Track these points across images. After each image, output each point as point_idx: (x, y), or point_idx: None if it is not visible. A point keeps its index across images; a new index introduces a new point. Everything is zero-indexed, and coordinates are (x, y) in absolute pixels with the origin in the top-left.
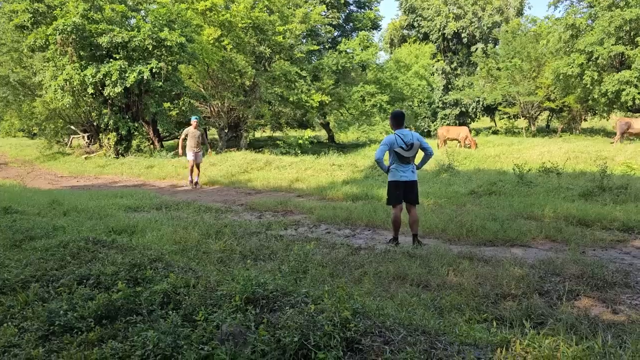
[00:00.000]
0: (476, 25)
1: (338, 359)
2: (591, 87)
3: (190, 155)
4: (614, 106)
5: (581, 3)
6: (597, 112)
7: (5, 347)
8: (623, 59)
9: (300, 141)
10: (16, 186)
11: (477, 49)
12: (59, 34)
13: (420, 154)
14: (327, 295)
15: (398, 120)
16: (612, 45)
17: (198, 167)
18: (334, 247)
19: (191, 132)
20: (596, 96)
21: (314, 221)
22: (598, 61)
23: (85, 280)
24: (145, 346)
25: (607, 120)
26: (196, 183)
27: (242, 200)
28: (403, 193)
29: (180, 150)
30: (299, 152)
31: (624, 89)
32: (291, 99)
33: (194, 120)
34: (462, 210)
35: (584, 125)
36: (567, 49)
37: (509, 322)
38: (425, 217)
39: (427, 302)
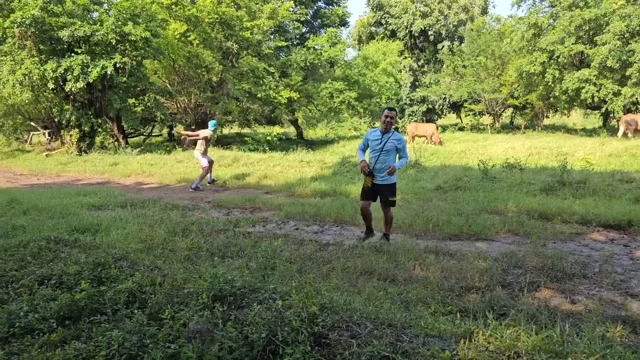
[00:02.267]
0: (442, 23)
1: (306, 353)
2: (552, 85)
3: (204, 161)
4: (574, 103)
5: (543, 3)
6: (558, 109)
7: None
8: (583, 57)
9: (268, 138)
10: None
11: (443, 46)
12: (17, 27)
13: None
14: (294, 291)
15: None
16: (573, 44)
17: (211, 165)
18: (302, 244)
19: (209, 136)
20: (557, 94)
21: (283, 218)
22: (559, 60)
23: (46, 281)
24: (110, 346)
25: (568, 117)
26: (212, 181)
27: (209, 198)
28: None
29: (185, 139)
30: (267, 148)
31: (583, 87)
32: (259, 95)
33: (213, 127)
34: (428, 205)
35: (546, 122)
36: (530, 48)
37: (473, 313)
38: (394, 213)
39: (394, 296)
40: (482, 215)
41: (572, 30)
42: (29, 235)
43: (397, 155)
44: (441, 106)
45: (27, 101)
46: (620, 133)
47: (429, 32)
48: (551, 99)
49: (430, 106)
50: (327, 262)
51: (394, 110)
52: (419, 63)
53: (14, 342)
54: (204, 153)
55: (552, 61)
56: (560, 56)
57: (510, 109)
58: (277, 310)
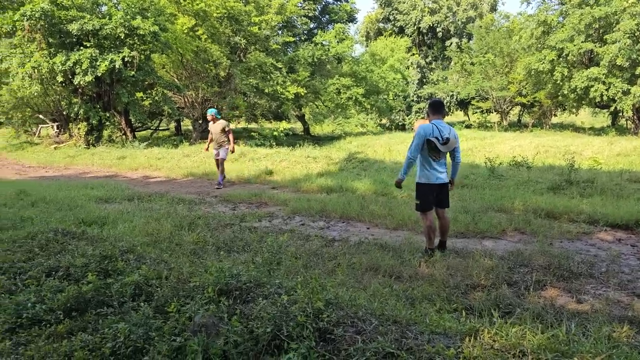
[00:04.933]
0: (451, 20)
1: (310, 349)
2: (561, 83)
3: (214, 153)
4: (583, 102)
5: (553, 0)
6: (566, 107)
7: None
8: (592, 56)
9: (275, 133)
10: None
11: (451, 43)
12: (27, 20)
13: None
14: (300, 286)
15: (436, 108)
16: (582, 42)
17: (218, 165)
18: (308, 239)
19: (210, 127)
20: (566, 92)
21: (289, 213)
22: (568, 58)
23: (54, 272)
24: (116, 338)
25: (576, 115)
26: (218, 183)
27: (216, 192)
28: (435, 196)
29: (206, 147)
30: (274, 144)
31: (592, 85)
32: (266, 90)
33: (209, 114)
34: None
35: (554, 120)
36: (539, 45)
37: (478, 311)
38: (399, 210)
39: (399, 293)
40: (489, 213)
41: (582, 28)
42: (37, 227)
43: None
44: (448, 103)
45: (36, 94)
46: None
47: (437, 29)
48: (559, 97)
49: None
50: (332, 258)
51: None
52: (427, 60)
53: (21, 332)
54: (212, 144)
55: (561, 59)
56: (570, 54)
57: (518, 107)
58: (283, 305)
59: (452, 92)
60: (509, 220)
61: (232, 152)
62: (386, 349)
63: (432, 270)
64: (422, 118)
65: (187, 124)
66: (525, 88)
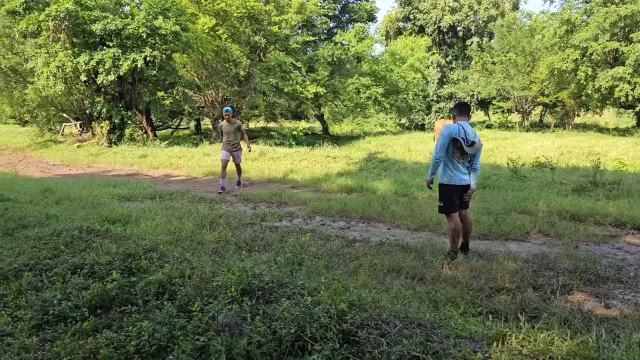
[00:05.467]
0: (472, 19)
1: (334, 351)
2: (585, 83)
3: (223, 154)
4: (607, 102)
5: None
6: (590, 107)
7: None
8: (617, 55)
9: (294, 132)
10: (7, 174)
11: (472, 42)
12: (52, 20)
13: None
14: (323, 287)
15: (462, 110)
16: (607, 41)
17: (238, 167)
18: (328, 239)
19: (224, 126)
20: (590, 92)
21: (309, 213)
22: (592, 57)
23: (79, 270)
24: (140, 336)
25: (600, 115)
26: (238, 182)
27: (236, 191)
28: (460, 197)
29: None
30: (294, 143)
31: (617, 85)
32: (286, 89)
33: (225, 112)
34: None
35: (577, 120)
36: (562, 44)
37: (504, 315)
38: (420, 211)
39: (422, 295)
40: (512, 214)
41: (607, 27)
42: (62, 225)
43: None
44: (469, 103)
45: (60, 93)
46: None
47: (458, 28)
48: (583, 97)
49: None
50: (354, 258)
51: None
52: (447, 59)
53: (47, 329)
54: (223, 145)
55: (585, 58)
56: (594, 53)
57: (540, 107)
58: (306, 306)
59: (473, 91)
60: (532, 222)
61: (250, 151)
62: (411, 353)
63: (455, 273)
64: (442, 118)
65: (206, 123)
66: (548, 88)
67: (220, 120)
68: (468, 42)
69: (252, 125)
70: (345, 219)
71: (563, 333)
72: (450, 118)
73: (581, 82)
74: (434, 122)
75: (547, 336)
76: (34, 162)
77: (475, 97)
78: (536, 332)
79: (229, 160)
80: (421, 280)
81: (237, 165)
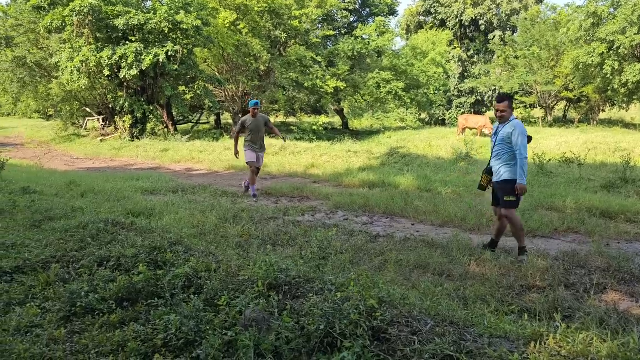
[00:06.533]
0: (494, 13)
1: (365, 348)
2: (611, 77)
3: (249, 155)
4: (634, 97)
5: None
6: (616, 102)
7: (28, 327)
8: None
9: (314, 127)
10: (33, 167)
11: (494, 36)
12: (76, 16)
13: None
14: (352, 283)
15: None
16: (635, 34)
17: (256, 173)
18: (352, 234)
19: (248, 122)
20: (616, 86)
21: (331, 207)
22: (619, 51)
23: (105, 262)
24: (167, 330)
25: (626, 111)
26: (254, 195)
27: (257, 185)
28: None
29: (235, 149)
30: (314, 138)
31: None
32: (306, 84)
33: (252, 106)
34: (481, 199)
35: (602, 115)
36: (588, 38)
37: (537, 314)
38: (444, 206)
39: (451, 292)
40: (539, 211)
41: (635, 20)
42: (88, 217)
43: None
44: (490, 98)
45: (83, 87)
46: None
47: (480, 22)
48: (609, 92)
49: (479, 98)
50: (379, 254)
51: (503, 99)
52: (469, 53)
53: (75, 320)
54: (249, 144)
55: (611, 52)
56: (621, 47)
57: (564, 102)
58: (335, 302)
59: (495, 86)
60: (561, 219)
61: (285, 141)
62: (445, 351)
63: (484, 270)
64: (463, 113)
65: (226, 118)
66: (572, 82)
67: (240, 115)
68: (490, 36)
69: (272, 119)
70: (368, 214)
71: (602, 334)
72: (470, 113)
73: (607, 76)
74: (456, 117)
75: (585, 337)
76: (58, 156)
77: (497, 91)
78: (574, 333)
79: (258, 166)
80: (449, 277)
81: (258, 169)
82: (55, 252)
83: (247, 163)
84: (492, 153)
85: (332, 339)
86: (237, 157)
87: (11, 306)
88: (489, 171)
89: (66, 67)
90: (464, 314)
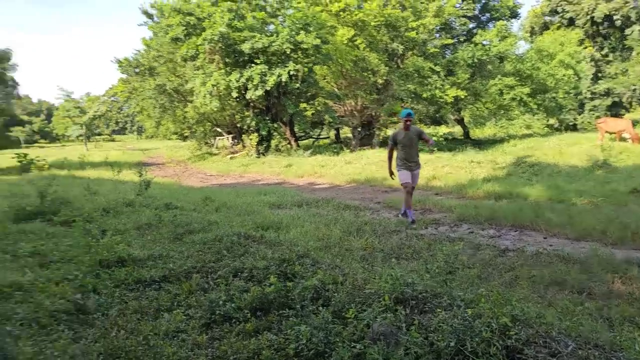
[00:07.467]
0: (631, 6)
1: None
2: None
3: (403, 175)
4: None
5: None
6: None
7: (174, 332)
8: None
9: (434, 138)
10: (173, 184)
11: (632, 31)
12: (208, 44)
13: None
14: (483, 299)
15: None
16: None
17: (410, 193)
18: (478, 248)
19: (400, 136)
20: None
21: (455, 220)
22: None
23: (239, 273)
24: (298, 340)
25: None
26: (412, 221)
27: (378, 198)
28: None
29: (388, 169)
30: (435, 149)
31: None
32: (424, 95)
33: (405, 116)
34: (623, 210)
35: None
36: None
37: None
38: (580, 218)
39: (593, 312)
40: None
41: None
42: (222, 230)
43: None
44: (630, 99)
45: (215, 109)
46: None
47: (615, 17)
48: None
49: (616, 99)
50: (509, 269)
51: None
52: (602, 52)
53: (215, 327)
54: (403, 161)
55: None
56: None
57: None
58: (465, 318)
59: (634, 85)
60: None
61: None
62: None
63: (630, 288)
64: (599, 116)
65: (345, 132)
66: None
67: (359, 129)
68: (627, 31)
69: (389, 132)
70: (494, 226)
71: None
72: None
73: None
74: (589, 122)
75: None
76: (194, 173)
77: (637, 91)
78: None
79: (414, 185)
80: (589, 296)
81: (412, 189)
82: (196, 263)
83: (401, 184)
84: None
85: (463, 357)
86: (392, 178)
87: (160, 312)
88: None
89: (199, 91)
90: (610, 336)
